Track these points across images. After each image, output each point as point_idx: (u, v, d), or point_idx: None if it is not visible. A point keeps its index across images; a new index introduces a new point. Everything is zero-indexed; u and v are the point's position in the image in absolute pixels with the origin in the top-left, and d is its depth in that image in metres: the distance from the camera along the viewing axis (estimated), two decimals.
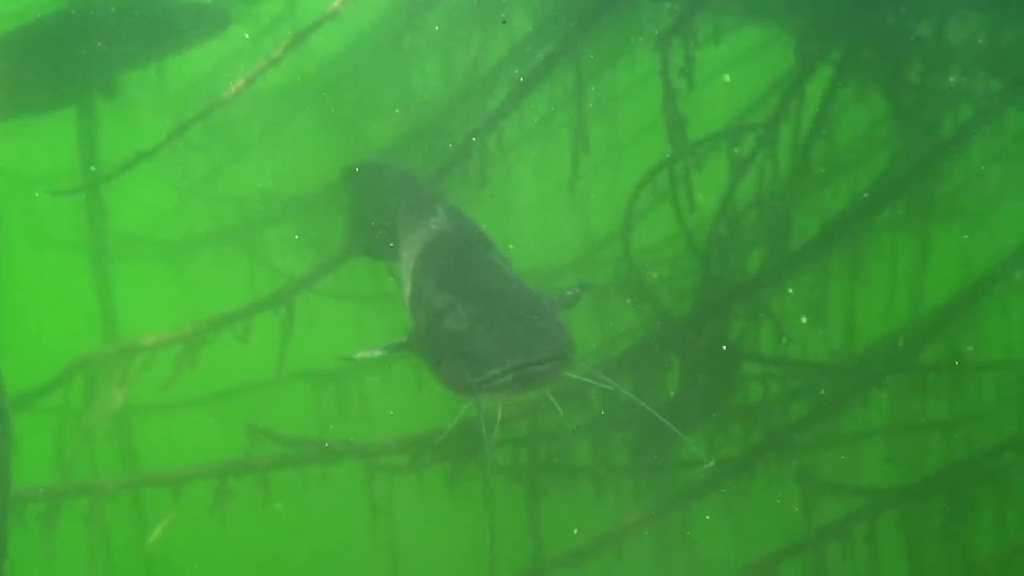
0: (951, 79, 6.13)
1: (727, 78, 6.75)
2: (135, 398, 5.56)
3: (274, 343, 5.87)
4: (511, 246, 4.75)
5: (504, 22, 6.84)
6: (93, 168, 6.19)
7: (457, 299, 3.21)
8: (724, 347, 5.57)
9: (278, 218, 7.22)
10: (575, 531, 5.21)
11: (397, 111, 7.22)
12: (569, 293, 4.02)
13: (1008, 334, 6.14)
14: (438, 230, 4.01)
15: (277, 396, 6.34)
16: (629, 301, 6.08)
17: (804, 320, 5.76)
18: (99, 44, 5.93)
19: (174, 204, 7.48)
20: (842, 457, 5.51)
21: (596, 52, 6.79)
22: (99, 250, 6.72)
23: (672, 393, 5.64)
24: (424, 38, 7.31)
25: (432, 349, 3.17)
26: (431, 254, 3.79)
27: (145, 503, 5.57)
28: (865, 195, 5.86)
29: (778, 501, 5.22)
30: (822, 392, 5.55)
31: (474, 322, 3.06)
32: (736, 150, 5.55)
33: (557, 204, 6.85)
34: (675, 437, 5.45)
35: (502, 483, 5.28)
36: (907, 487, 5.03)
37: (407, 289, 3.91)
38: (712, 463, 2.90)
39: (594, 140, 6.97)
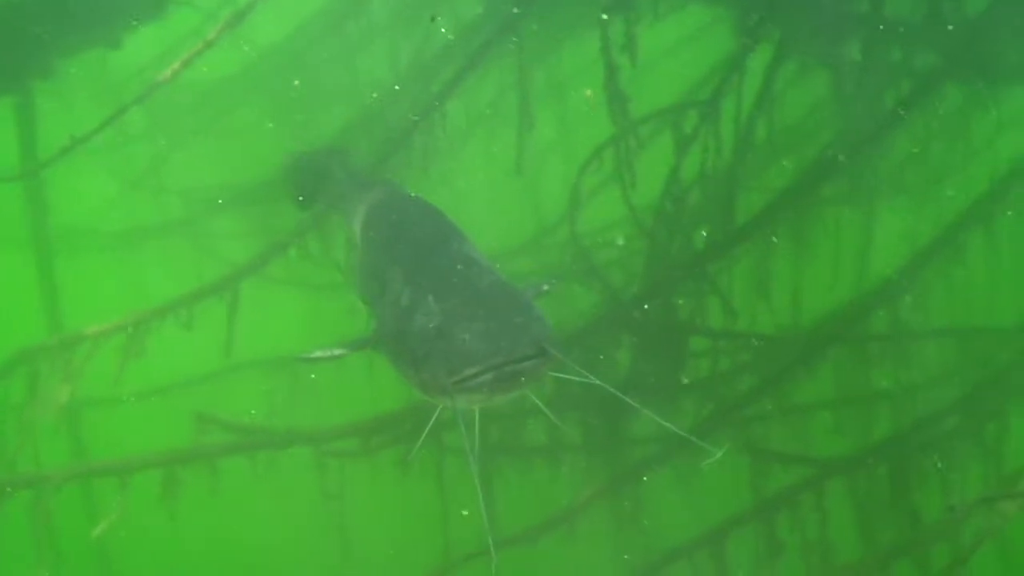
0: (892, 55, 6.27)
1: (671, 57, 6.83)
2: (82, 391, 5.53)
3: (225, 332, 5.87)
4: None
5: (433, 20, 6.85)
6: (32, 158, 6.11)
7: (427, 293, 3.03)
8: (672, 323, 5.67)
9: (224, 208, 7.18)
10: (529, 509, 5.26)
11: (374, 95, 7.13)
12: (545, 287, 3.87)
13: (952, 305, 6.28)
14: (401, 219, 3.85)
15: (228, 386, 6.32)
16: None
17: (750, 295, 5.83)
18: (37, 30, 5.85)
19: (117, 195, 7.41)
20: (789, 429, 5.58)
21: (544, 34, 6.85)
22: (41, 244, 6.64)
23: (623, 371, 5.73)
24: (369, 24, 7.32)
25: (402, 348, 2.97)
26: (395, 245, 3.61)
27: (95, 494, 5.52)
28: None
29: (728, 473, 5.30)
30: (769, 365, 5.65)
31: (448, 317, 2.87)
32: (680, 127, 5.62)
33: (507, 187, 6.89)
34: (629, 414, 5.54)
35: (455, 464, 5.30)
36: (852, 456, 5.14)
37: (366, 283, 3.74)
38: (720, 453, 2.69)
39: (545, 123, 7.04)
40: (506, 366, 2.69)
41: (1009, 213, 6.21)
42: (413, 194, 4.25)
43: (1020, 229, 6.31)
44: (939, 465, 5.22)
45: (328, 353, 3.51)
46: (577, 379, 2.87)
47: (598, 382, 2.80)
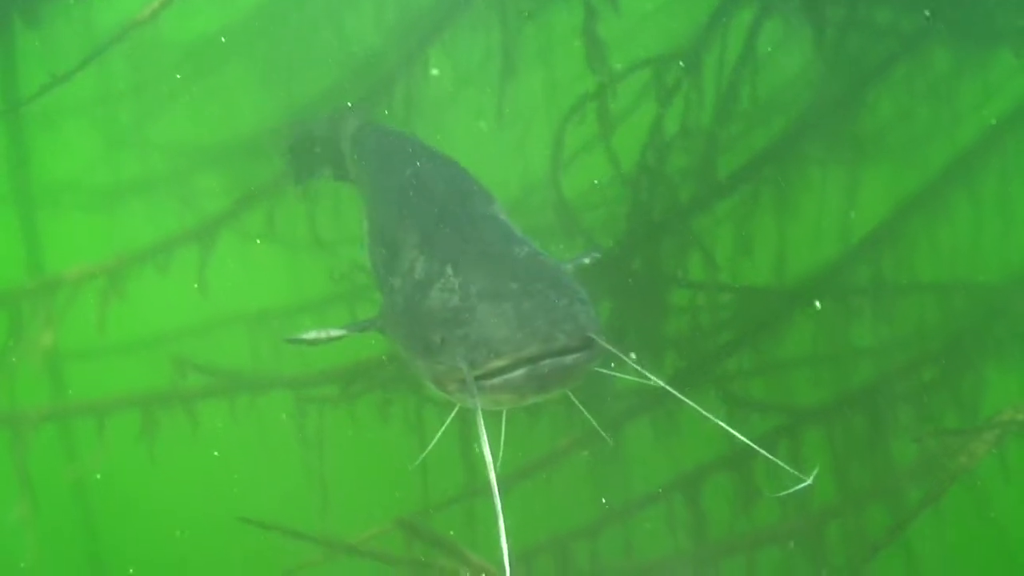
0: (878, 16, 6.36)
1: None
2: (65, 340, 5.63)
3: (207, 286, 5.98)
4: None
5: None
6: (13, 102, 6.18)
7: (447, 265, 2.53)
8: (655, 275, 5.77)
9: (208, 166, 7.27)
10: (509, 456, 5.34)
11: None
12: (587, 259, 3.37)
13: (936, 262, 6.36)
14: (417, 176, 3.33)
15: (212, 339, 6.41)
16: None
17: (732, 249, 5.93)
18: None
19: (102, 152, 7.49)
20: (769, 381, 5.69)
21: None
22: (24, 198, 6.72)
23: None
24: None
25: (412, 332, 2.51)
26: (409, 205, 3.13)
27: (75, 435, 5.62)
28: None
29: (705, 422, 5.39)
30: (750, 319, 5.76)
31: (471, 296, 2.37)
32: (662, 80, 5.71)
33: (494, 147, 6.97)
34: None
35: (434, 412, 5.40)
36: (829, 405, 5.24)
37: (373, 249, 3.34)
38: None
39: (533, 82, 7.11)
40: (543, 360, 2.23)
41: (993, 174, 6.33)
42: (432, 148, 3.73)
43: (1004, 189, 6.41)
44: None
45: (324, 335, 3.17)
46: (630, 378, 2.43)
47: (659, 382, 2.31)
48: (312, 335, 3.20)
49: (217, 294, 6.22)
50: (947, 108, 7.03)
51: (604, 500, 5.06)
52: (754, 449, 5.01)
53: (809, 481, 2.27)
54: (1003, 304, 5.78)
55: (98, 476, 5.16)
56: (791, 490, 2.33)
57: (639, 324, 5.87)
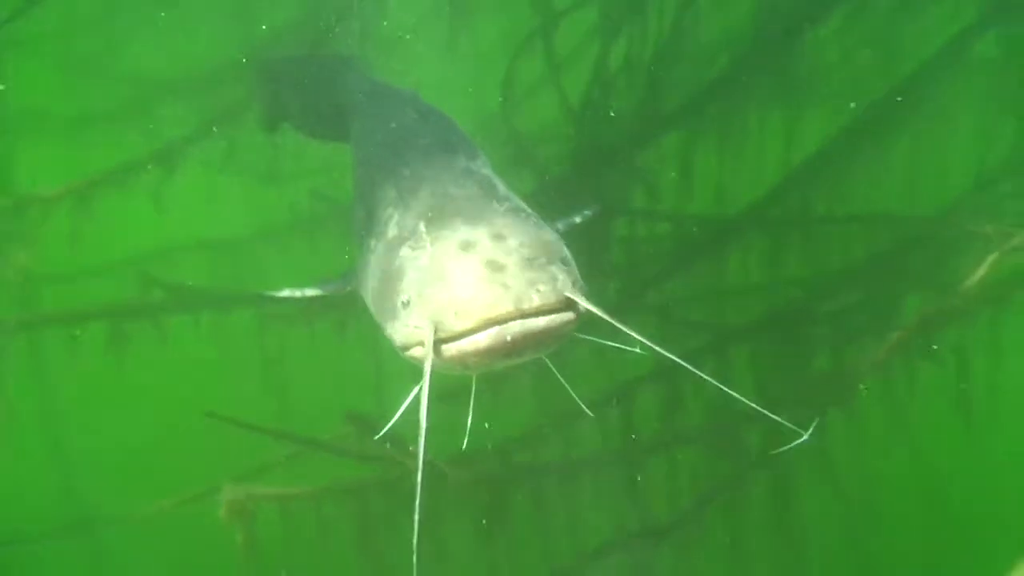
0: None
1: None
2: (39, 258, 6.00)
3: (170, 214, 6.37)
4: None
5: None
6: None
7: (420, 221, 2.47)
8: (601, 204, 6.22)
9: (173, 97, 7.58)
10: None
11: None
12: (578, 219, 3.36)
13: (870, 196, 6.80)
14: (400, 129, 3.28)
15: (176, 263, 6.77)
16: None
17: (673, 176, 6.36)
18: None
19: (65, 82, 7.76)
20: (703, 305, 6.16)
21: None
22: None
23: None
24: None
25: (380, 293, 2.46)
26: (389, 161, 3.04)
27: (44, 349, 6.01)
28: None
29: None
30: (688, 247, 6.25)
31: (440, 252, 2.30)
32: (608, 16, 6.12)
33: (451, 81, 7.31)
34: None
35: None
36: (752, 324, 5.74)
37: (354, 209, 3.29)
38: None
39: (490, 21, 7.45)
40: (515, 322, 2.15)
41: (930, 115, 6.76)
42: (424, 102, 3.66)
43: (938, 128, 6.83)
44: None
45: (299, 293, 3.22)
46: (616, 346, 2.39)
47: (659, 350, 2.28)
48: (287, 293, 3.26)
49: (179, 221, 6.63)
50: (886, 51, 7.43)
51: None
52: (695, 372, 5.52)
53: (805, 437, 2.25)
54: (927, 235, 6.23)
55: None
56: (790, 446, 2.31)
57: (585, 253, 6.32)
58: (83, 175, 6.18)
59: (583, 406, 2.92)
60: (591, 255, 6.40)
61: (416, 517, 2.02)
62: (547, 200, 6.24)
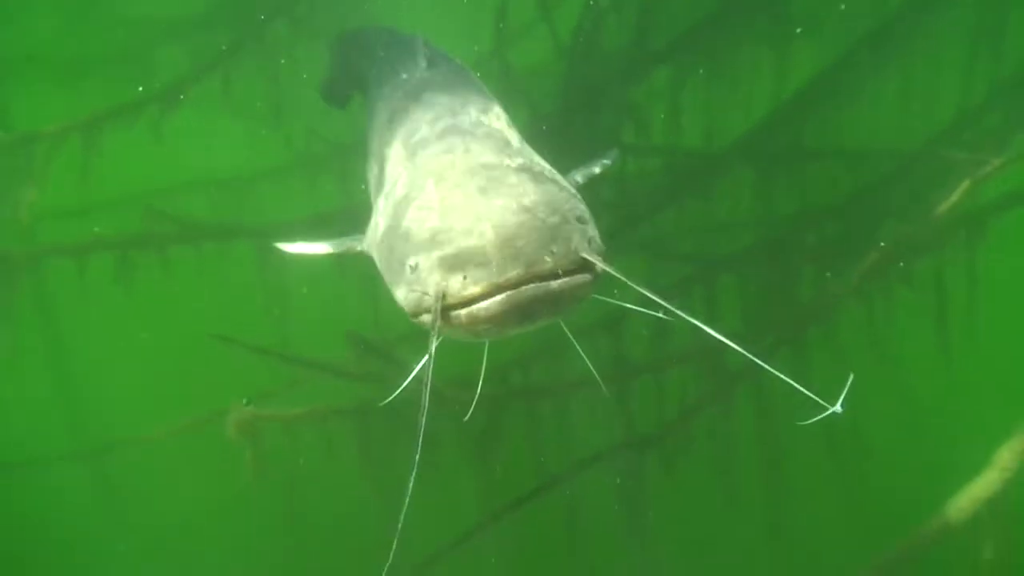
0: None
1: None
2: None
3: (169, 150, 6.59)
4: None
5: None
6: None
7: (429, 180, 2.37)
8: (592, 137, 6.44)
9: (171, 39, 7.74)
10: None
11: None
12: (597, 168, 3.17)
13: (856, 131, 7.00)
14: (412, 84, 3.11)
15: (177, 199, 6.98)
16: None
17: (664, 112, 6.56)
18: None
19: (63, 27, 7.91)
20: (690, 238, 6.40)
21: None
22: None
23: None
24: None
25: (389, 256, 2.37)
26: (400, 117, 2.93)
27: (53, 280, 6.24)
28: None
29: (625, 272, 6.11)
30: (676, 181, 6.48)
31: (450, 214, 2.20)
32: None
33: (445, 20, 7.48)
34: None
35: None
36: (739, 254, 5.99)
37: (368, 168, 3.24)
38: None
39: None
40: (527, 286, 2.06)
41: (920, 52, 6.93)
42: (442, 52, 3.54)
43: (926, 63, 7.00)
44: (828, 274, 6.07)
45: (311, 249, 3.16)
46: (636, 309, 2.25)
47: (680, 313, 2.17)
48: (299, 247, 3.17)
49: (180, 160, 6.85)
50: None
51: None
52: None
53: (836, 408, 2.10)
54: (909, 167, 6.45)
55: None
56: (817, 418, 2.18)
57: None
58: (85, 115, 6.37)
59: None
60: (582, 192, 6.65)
61: (412, 479, 1.97)
62: (539, 136, 6.53)
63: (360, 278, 6.13)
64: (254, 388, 5.43)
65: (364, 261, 6.14)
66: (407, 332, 5.16)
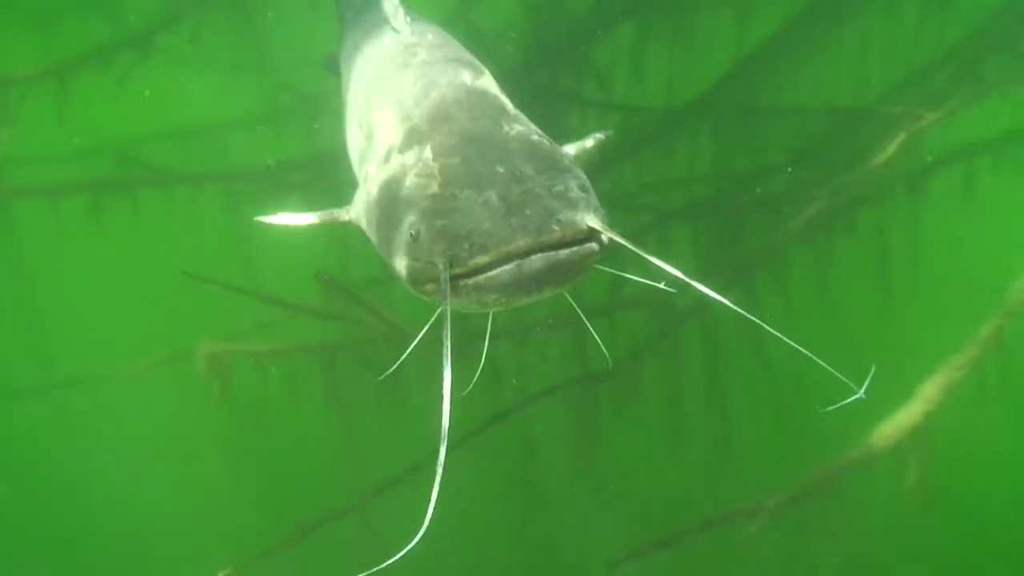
0: None
1: None
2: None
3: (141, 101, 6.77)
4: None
5: None
6: None
7: (426, 147, 2.35)
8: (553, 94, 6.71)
9: None
10: None
11: None
12: (590, 142, 3.13)
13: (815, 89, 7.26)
14: (396, 46, 3.08)
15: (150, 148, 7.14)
16: None
17: (625, 69, 6.82)
18: None
19: None
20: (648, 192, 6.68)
21: None
22: None
23: None
24: None
25: (386, 225, 2.34)
26: (387, 80, 2.90)
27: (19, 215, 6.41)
28: None
29: None
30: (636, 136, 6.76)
31: (452, 182, 2.18)
32: None
33: None
34: None
35: None
36: (692, 205, 6.30)
37: (348, 129, 3.20)
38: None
39: None
40: (535, 254, 2.03)
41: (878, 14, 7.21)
42: (418, 15, 3.46)
43: (883, 23, 7.26)
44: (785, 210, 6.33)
45: (294, 220, 3.06)
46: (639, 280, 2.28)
47: (690, 280, 2.06)
48: (283, 219, 3.07)
49: (150, 108, 7.02)
50: None
51: None
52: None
53: (860, 394, 2.05)
54: (854, 125, 6.74)
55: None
56: (842, 403, 2.22)
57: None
58: (57, 63, 6.53)
59: (607, 356, 2.97)
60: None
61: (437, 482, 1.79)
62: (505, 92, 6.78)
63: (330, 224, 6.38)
64: (223, 328, 5.65)
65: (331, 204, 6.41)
66: (376, 275, 5.43)
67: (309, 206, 6.30)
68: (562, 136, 6.25)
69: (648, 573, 4.17)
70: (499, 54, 6.86)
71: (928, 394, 4.37)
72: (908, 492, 4.29)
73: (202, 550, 4.61)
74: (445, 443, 1.80)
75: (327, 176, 6.28)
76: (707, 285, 2.06)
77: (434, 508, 1.74)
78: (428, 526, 1.72)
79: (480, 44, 6.93)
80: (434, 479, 1.76)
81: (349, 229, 2.90)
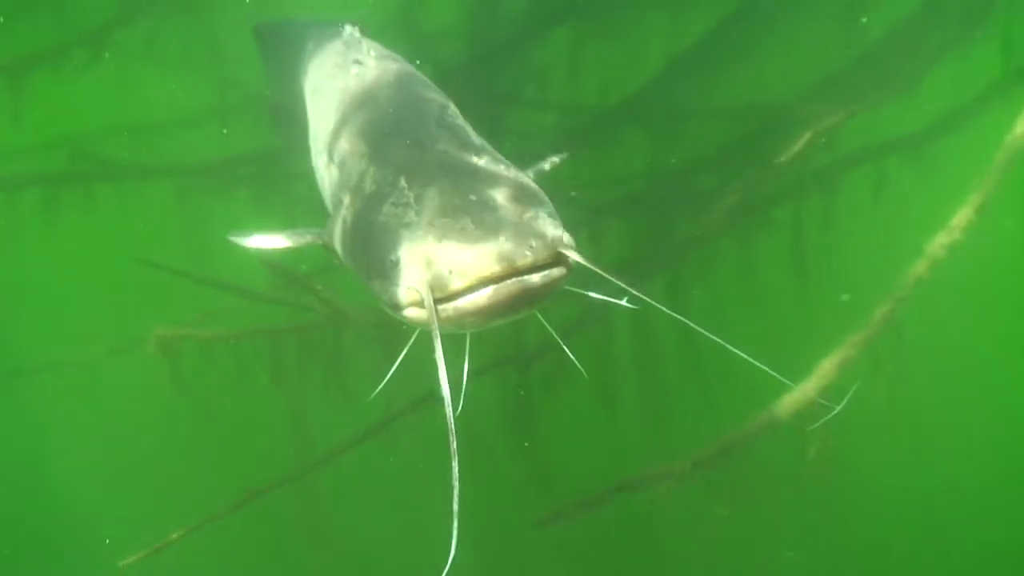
0: None
1: None
2: None
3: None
4: None
5: None
6: None
7: (401, 176, 2.47)
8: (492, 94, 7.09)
9: None
10: None
11: None
12: (547, 165, 3.36)
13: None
14: (364, 77, 3.22)
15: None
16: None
17: (562, 71, 7.21)
18: None
19: None
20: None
21: None
22: None
23: None
24: None
25: (365, 252, 2.45)
26: (357, 111, 3.03)
27: None
28: None
29: None
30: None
31: (428, 210, 2.29)
32: None
33: None
34: None
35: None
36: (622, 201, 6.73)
37: (317, 161, 3.29)
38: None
39: None
40: (511, 279, 2.15)
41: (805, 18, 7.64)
42: (382, 46, 3.65)
43: (808, 28, 7.70)
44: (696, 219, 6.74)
45: (268, 242, 3.11)
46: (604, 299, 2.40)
47: (652, 302, 2.27)
48: (254, 240, 3.12)
49: (101, 105, 7.28)
50: None
51: None
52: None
53: (839, 408, 2.26)
54: (775, 121, 7.16)
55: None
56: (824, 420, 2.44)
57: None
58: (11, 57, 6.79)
59: (581, 368, 3.13)
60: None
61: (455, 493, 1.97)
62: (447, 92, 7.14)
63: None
64: (173, 316, 5.96)
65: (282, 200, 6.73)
66: (323, 265, 5.75)
67: (257, 200, 6.73)
68: (502, 137, 6.65)
69: (569, 532, 4.58)
70: (440, 55, 7.24)
71: (823, 370, 4.79)
72: (806, 457, 4.72)
73: (154, 515, 4.90)
74: (456, 460, 1.97)
75: (274, 170, 6.66)
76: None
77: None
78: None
79: (421, 46, 7.36)
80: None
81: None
